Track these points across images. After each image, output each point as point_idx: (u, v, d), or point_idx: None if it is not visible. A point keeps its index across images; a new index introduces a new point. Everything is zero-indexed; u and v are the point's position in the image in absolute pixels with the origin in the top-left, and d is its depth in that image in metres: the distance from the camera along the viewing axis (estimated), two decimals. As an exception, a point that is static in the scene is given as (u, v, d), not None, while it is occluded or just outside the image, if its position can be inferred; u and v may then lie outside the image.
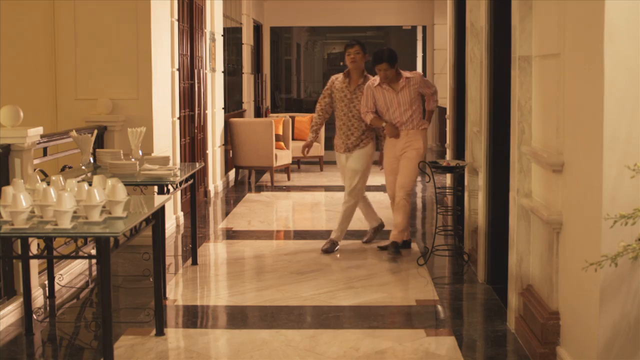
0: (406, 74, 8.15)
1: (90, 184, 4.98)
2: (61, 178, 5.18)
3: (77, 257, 4.63)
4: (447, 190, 9.73)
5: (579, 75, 4.61)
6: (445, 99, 10.99)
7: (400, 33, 24.24)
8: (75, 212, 4.67)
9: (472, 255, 7.62)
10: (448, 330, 5.82)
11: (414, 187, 9.02)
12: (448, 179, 10.74)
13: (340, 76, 8.42)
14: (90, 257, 4.49)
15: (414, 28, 21.93)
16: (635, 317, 4.25)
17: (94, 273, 7.33)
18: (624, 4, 4.13)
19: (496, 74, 6.95)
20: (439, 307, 6.41)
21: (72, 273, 7.18)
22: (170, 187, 6.61)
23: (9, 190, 4.68)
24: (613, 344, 4.30)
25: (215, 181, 12.53)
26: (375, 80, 8.18)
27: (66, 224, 4.45)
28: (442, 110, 15.31)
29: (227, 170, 13.59)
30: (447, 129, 10.71)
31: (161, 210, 5.75)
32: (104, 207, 4.83)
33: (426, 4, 18.98)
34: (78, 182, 5.03)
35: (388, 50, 8.17)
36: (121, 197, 4.76)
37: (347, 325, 5.91)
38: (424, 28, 20.15)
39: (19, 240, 5.22)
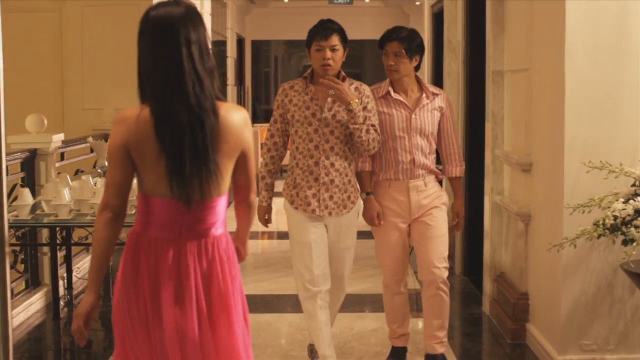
0: (431, 88, 5.14)
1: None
2: (90, 177, 5.87)
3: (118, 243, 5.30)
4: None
5: (544, 87, 5.35)
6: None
7: (377, 47, 24.90)
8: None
9: (449, 251, 8.33)
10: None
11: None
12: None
13: (297, 83, 4.93)
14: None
15: (390, 42, 22.65)
16: (593, 292, 5.00)
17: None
18: (581, 27, 4.88)
19: (472, 86, 7.69)
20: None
21: (85, 268, 7.85)
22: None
23: (49, 186, 5.36)
24: (573, 316, 5.04)
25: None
26: (379, 87, 5.11)
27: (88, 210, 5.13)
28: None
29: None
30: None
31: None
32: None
33: (402, 18, 19.68)
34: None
35: (410, 29, 5.11)
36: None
37: (341, 309, 6.55)
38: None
39: (42, 231, 5.90)
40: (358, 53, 25.71)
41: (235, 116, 3.11)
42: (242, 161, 3.19)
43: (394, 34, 5.02)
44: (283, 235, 10.21)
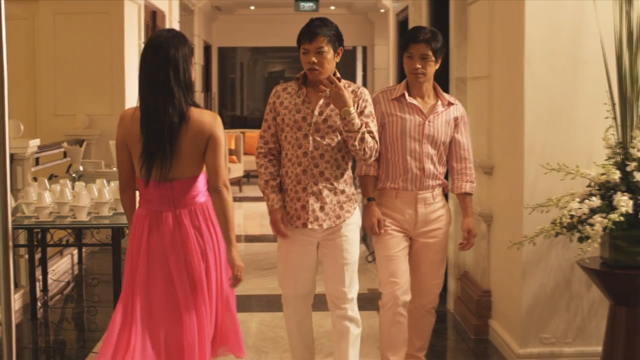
0: (447, 96, 4.91)
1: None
2: (68, 181, 6.04)
3: (95, 244, 5.49)
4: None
5: (504, 94, 5.62)
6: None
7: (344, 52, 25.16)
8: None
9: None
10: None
11: None
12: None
13: (290, 85, 4.62)
14: (104, 244, 5.37)
15: (354, 48, 22.90)
16: (551, 288, 5.27)
17: (86, 270, 8.18)
18: (540, 36, 5.15)
19: (436, 93, 7.93)
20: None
21: (60, 271, 8.02)
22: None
23: (30, 190, 5.54)
24: (533, 312, 5.31)
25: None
26: (393, 89, 4.91)
27: (83, 217, 5.32)
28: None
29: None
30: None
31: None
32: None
33: (366, 25, 19.93)
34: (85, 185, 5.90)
35: (431, 29, 4.86)
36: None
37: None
38: (364, 48, 21.10)
39: (24, 233, 6.07)
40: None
41: (206, 118, 3.94)
42: (209, 150, 3.94)
43: (420, 35, 4.70)
44: (252, 239, 10.45)
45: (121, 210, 5.47)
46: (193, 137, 3.90)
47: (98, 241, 5.57)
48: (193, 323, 3.95)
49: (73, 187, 5.89)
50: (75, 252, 8.46)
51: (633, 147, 4.70)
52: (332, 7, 18.95)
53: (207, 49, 18.74)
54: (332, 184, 4.51)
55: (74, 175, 7.45)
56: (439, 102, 4.81)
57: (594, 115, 5.06)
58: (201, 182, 4.06)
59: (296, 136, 4.47)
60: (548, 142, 5.18)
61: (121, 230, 5.33)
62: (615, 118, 4.84)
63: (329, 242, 4.56)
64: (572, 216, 4.65)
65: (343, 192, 4.54)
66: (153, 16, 11.48)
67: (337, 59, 4.53)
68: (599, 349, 4.96)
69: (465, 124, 4.88)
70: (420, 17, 8.43)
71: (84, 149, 9.09)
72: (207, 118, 3.95)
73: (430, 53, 4.67)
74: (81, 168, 7.48)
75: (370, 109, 4.53)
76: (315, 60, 4.43)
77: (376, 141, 4.49)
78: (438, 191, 4.83)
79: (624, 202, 4.53)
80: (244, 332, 6.20)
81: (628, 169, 4.68)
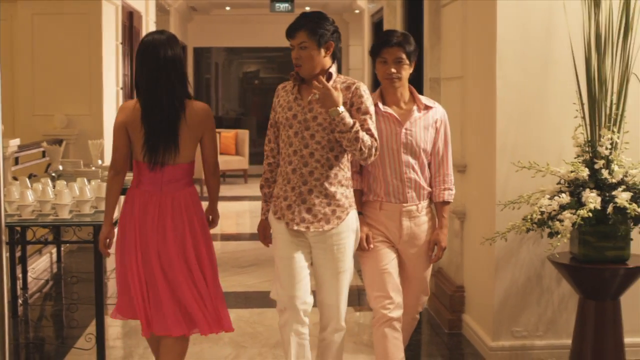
0: (425, 99, 4.66)
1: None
2: (49, 180, 6.13)
3: (76, 242, 5.58)
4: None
5: (477, 94, 5.77)
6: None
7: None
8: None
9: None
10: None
11: None
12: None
13: (289, 83, 4.46)
14: (87, 241, 5.47)
15: (329, 48, 22.98)
16: (523, 282, 5.42)
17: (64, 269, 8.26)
18: (511, 38, 5.30)
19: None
20: (362, 290, 7.50)
21: (39, 269, 8.09)
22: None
23: (12, 188, 5.62)
24: (505, 306, 5.45)
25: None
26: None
27: (65, 214, 5.41)
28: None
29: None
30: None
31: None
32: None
33: (341, 26, 19.91)
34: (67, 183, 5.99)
35: (402, 32, 4.67)
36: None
37: (249, 305, 6.92)
38: (339, 49, 21.21)
39: (5, 231, 6.14)
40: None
41: (198, 109, 4.43)
42: (205, 139, 4.47)
43: (392, 38, 4.49)
44: (228, 237, 10.55)
45: (102, 208, 5.57)
46: (189, 125, 4.38)
47: (80, 239, 5.66)
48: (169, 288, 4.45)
49: (54, 186, 5.97)
50: (54, 250, 8.54)
51: (601, 146, 4.86)
52: (307, 8, 19.05)
53: (182, 49, 18.79)
54: (322, 185, 4.26)
55: (53, 174, 7.52)
56: (415, 107, 4.55)
57: (564, 115, 5.21)
58: (189, 170, 4.50)
59: (288, 134, 4.31)
60: (519, 140, 5.33)
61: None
62: (584, 117, 5.00)
63: (320, 250, 4.33)
64: (542, 212, 4.80)
65: (334, 194, 4.27)
66: (130, 17, 11.57)
67: (327, 54, 4.29)
68: (569, 341, 5.11)
69: (446, 127, 4.62)
70: (394, 19, 8.57)
71: (63, 148, 9.19)
72: (200, 109, 4.43)
73: (404, 56, 4.47)
74: (60, 167, 7.57)
75: (367, 104, 4.25)
76: (298, 56, 4.26)
77: (375, 139, 4.22)
78: (424, 203, 4.58)
79: (592, 199, 4.69)
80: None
81: (596, 166, 4.84)
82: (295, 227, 4.28)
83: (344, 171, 4.32)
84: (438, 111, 4.62)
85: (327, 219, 4.26)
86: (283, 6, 16.52)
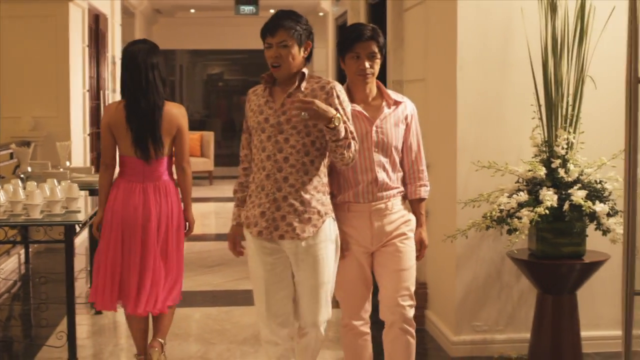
0: (394, 95, 4.45)
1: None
2: (19, 181, 6.21)
3: (47, 241, 5.68)
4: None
5: (438, 95, 5.93)
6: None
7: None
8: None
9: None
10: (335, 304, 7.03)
11: None
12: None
13: (260, 86, 4.24)
14: (58, 241, 5.56)
15: (293, 51, 23.08)
16: (483, 278, 5.58)
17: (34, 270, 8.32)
18: (471, 41, 5.46)
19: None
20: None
21: (7, 270, 8.16)
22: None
23: (-18, 189, 5.71)
24: (466, 301, 5.62)
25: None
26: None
27: (37, 215, 5.51)
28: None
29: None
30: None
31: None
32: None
33: (305, 29, 20.12)
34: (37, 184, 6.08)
35: (370, 25, 4.43)
36: (76, 195, 5.83)
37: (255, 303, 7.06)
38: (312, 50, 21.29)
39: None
40: (263, 62, 25.84)
41: (174, 109, 5.10)
42: (177, 137, 5.10)
43: (365, 32, 4.27)
44: (194, 238, 10.58)
45: (73, 209, 5.71)
46: (166, 124, 5.03)
47: (51, 238, 5.75)
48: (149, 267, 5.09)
49: (24, 187, 6.05)
50: (22, 251, 8.60)
51: (557, 146, 5.04)
52: (272, 10, 19.15)
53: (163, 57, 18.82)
54: (297, 191, 4.02)
55: (22, 175, 7.60)
56: (384, 102, 4.34)
57: (522, 116, 5.37)
58: (167, 164, 5.14)
59: (260, 139, 4.09)
60: (479, 141, 5.50)
61: (73, 227, 5.51)
62: (541, 119, 5.17)
63: (297, 261, 4.10)
64: (501, 210, 4.97)
65: (310, 201, 4.04)
66: (96, 20, 11.63)
67: (305, 54, 4.10)
68: (528, 335, 5.28)
69: (417, 122, 4.45)
70: (358, 22, 8.70)
71: (32, 150, 9.24)
72: (176, 109, 5.10)
73: (377, 50, 4.26)
74: (29, 169, 7.64)
75: (345, 106, 4.05)
76: (277, 55, 4.02)
77: (356, 141, 4.06)
78: (395, 200, 4.36)
79: (549, 197, 4.86)
80: (190, 325, 6.47)
81: (553, 165, 5.01)
82: (268, 236, 4.06)
83: (319, 177, 4.09)
84: (408, 106, 4.42)
85: (302, 227, 4.02)
86: (248, 9, 16.60)
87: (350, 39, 4.28)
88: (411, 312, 4.34)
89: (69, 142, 8.35)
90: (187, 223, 5.32)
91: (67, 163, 8.14)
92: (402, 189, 4.42)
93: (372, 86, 4.36)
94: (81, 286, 7.40)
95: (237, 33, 20.17)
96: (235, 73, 27.15)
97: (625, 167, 2.69)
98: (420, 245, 4.50)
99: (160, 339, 5.26)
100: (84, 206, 5.98)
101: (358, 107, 4.29)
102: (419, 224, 4.48)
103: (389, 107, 4.35)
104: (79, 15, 10.21)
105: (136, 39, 5.27)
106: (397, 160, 4.38)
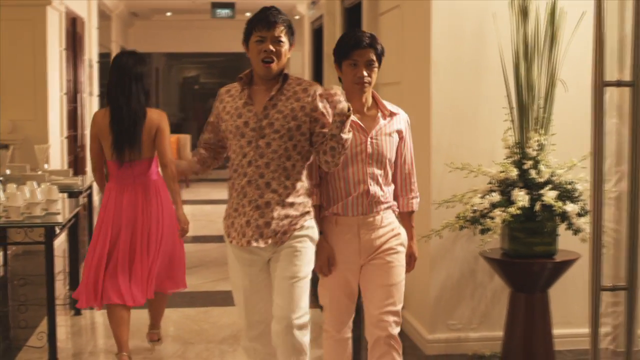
0: (389, 105, 4.31)
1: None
2: (-1, 184, 6.27)
3: (27, 242, 5.73)
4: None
5: (413, 98, 6.02)
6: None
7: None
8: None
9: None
10: (313, 305, 7.12)
11: None
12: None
13: (234, 87, 4.10)
14: (37, 242, 5.62)
15: (269, 54, 23.14)
16: (457, 278, 5.69)
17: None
18: (445, 45, 5.57)
19: (350, 98, 8.32)
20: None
21: (-14, 272, 8.21)
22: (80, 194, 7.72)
23: (-37, 191, 5.76)
24: (441, 300, 5.72)
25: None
26: None
27: (17, 216, 5.57)
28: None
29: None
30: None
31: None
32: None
33: (281, 32, 20.17)
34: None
35: (368, 33, 4.26)
36: (56, 197, 5.89)
37: (233, 303, 7.12)
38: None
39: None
40: (239, 65, 26.11)
41: (154, 115, 5.44)
42: (157, 137, 5.39)
43: (364, 39, 4.13)
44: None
45: (52, 210, 5.78)
46: (147, 128, 5.37)
47: (31, 239, 5.81)
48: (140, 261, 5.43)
49: (4, 189, 6.11)
50: (1, 254, 8.63)
51: (529, 147, 5.15)
52: (248, 14, 19.18)
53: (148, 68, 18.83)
54: (280, 197, 3.94)
55: (0, 178, 7.63)
56: (379, 113, 4.22)
57: (495, 118, 5.48)
58: (154, 165, 5.49)
59: (240, 144, 3.95)
60: (453, 143, 5.61)
61: (53, 229, 5.57)
62: (513, 121, 5.29)
63: (275, 256, 3.99)
64: (474, 210, 5.07)
65: (292, 205, 3.96)
66: (73, 23, 11.68)
67: (289, 54, 3.98)
68: (502, 333, 5.39)
69: (410, 134, 4.35)
70: (334, 26, 8.80)
71: (11, 153, 9.28)
72: (156, 115, 5.45)
73: (375, 58, 4.13)
74: (8, 172, 7.68)
75: (328, 108, 3.96)
76: (273, 49, 3.87)
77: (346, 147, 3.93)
78: (385, 214, 4.21)
79: (521, 197, 4.97)
80: (168, 326, 6.54)
81: (525, 167, 5.12)
82: (255, 244, 3.94)
83: (301, 181, 4.01)
84: (402, 117, 4.31)
85: (284, 230, 3.94)
86: (224, 12, 16.68)
87: (348, 46, 4.13)
88: (396, 330, 4.20)
89: (47, 144, 8.41)
90: (180, 223, 5.51)
91: (46, 166, 8.18)
92: (393, 202, 4.27)
93: (369, 96, 4.23)
94: (59, 288, 7.44)
95: (214, 36, 20.21)
96: (212, 76, 27.20)
97: (592, 167, 2.80)
98: (410, 258, 4.41)
99: (156, 330, 5.89)
100: (62, 208, 6.04)
101: (353, 117, 4.08)
102: (410, 237, 4.37)
103: (385, 119, 4.21)
104: (56, 19, 10.26)
105: (125, 50, 5.71)
106: (390, 172, 4.24)
